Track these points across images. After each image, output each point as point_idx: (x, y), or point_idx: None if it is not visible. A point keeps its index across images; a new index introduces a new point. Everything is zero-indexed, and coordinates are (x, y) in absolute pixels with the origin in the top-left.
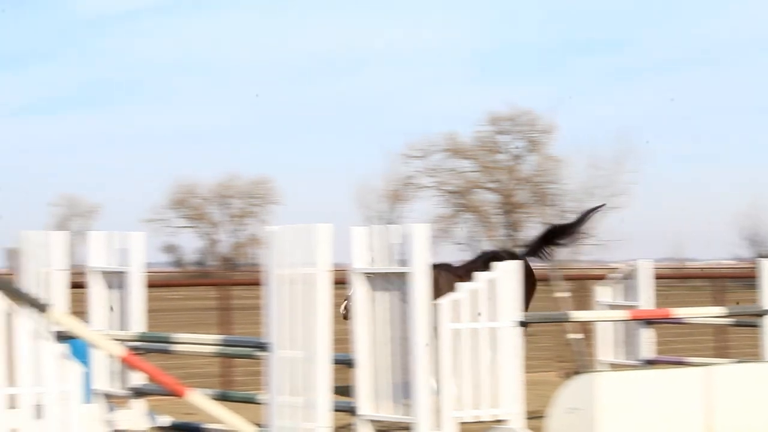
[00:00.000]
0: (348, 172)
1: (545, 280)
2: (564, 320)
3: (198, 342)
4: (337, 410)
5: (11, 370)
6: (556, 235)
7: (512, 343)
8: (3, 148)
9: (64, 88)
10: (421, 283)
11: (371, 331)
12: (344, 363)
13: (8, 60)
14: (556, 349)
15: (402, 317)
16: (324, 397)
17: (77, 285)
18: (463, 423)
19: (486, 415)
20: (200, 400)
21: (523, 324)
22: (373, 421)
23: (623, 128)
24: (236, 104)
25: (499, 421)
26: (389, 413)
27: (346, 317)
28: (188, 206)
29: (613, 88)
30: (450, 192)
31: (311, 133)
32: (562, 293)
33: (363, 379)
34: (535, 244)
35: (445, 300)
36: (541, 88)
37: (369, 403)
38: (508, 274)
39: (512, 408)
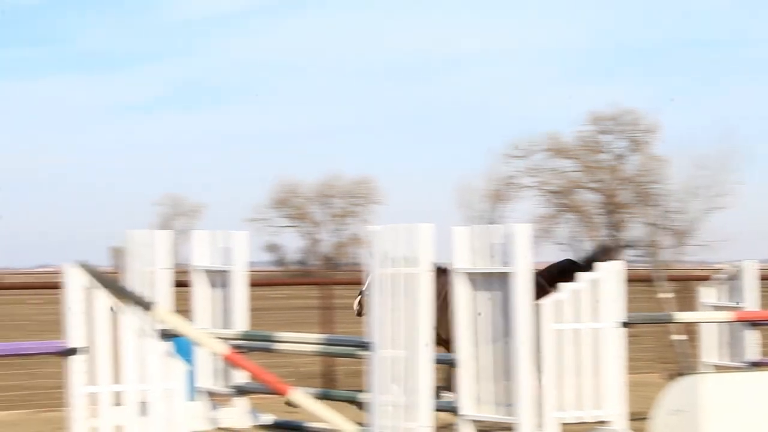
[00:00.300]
0: (449, 172)
1: (648, 280)
2: (668, 321)
3: (300, 341)
4: (438, 410)
5: (117, 367)
6: (568, 272)
7: (615, 343)
8: (108, 148)
9: (168, 88)
10: (523, 283)
11: (473, 330)
12: (446, 363)
13: (113, 61)
14: (660, 351)
15: (504, 317)
16: (426, 397)
17: (181, 284)
18: (565, 424)
19: (588, 416)
20: (302, 399)
21: (626, 325)
22: (474, 421)
23: (728, 127)
24: (338, 104)
25: (601, 423)
26: (491, 413)
27: (360, 313)
28: (290, 206)
29: (718, 86)
30: (551, 192)
31: (413, 133)
32: (666, 294)
33: (465, 379)
34: (550, 275)
35: (548, 300)
36: (645, 87)
37: (471, 403)
38: (611, 274)
39: (615, 409)
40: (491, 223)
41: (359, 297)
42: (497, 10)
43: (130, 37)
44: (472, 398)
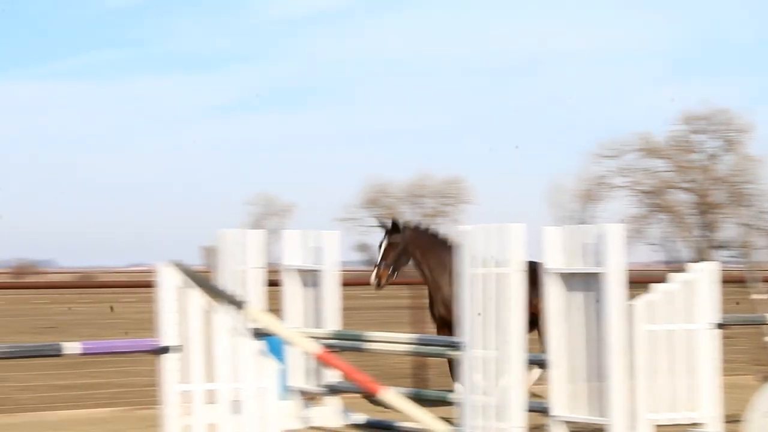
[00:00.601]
0: (540, 172)
1: (742, 281)
2: (762, 323)
3: (391, 341)
4: (530, 410)
5: (210, 366)
6: None
7: (709, 345)
8: (201, 148)
9: (260, 89)
10: (616, 283)
11: (565, 331)
12: (537, 363)
13: (206, 61)
14: (754, 352)
15: (596, 318)
16: (518, 397)
17: (272, 283)
18: (658, 426)
19: (682, 418)
20: (394, 398)
21: (721, 326)
22: (567, 422)
23: None
24: (429, 104)
25: (695, 425)
26: (583, 415)
27: (379, 285)
28: (381, 205)
29: None
30: (643, 192)
31: (504, 132)
32: (760, 295)
33: (557, 379)
34: None
35: (641, 301)
36: (738, 87)
37: (563, 404)
38: (705, 275)
39: (709, 411)
40: (582, 223)
41: (375, 269)
42: (590, 10)
43: (222, 38)
44: (564, 399)
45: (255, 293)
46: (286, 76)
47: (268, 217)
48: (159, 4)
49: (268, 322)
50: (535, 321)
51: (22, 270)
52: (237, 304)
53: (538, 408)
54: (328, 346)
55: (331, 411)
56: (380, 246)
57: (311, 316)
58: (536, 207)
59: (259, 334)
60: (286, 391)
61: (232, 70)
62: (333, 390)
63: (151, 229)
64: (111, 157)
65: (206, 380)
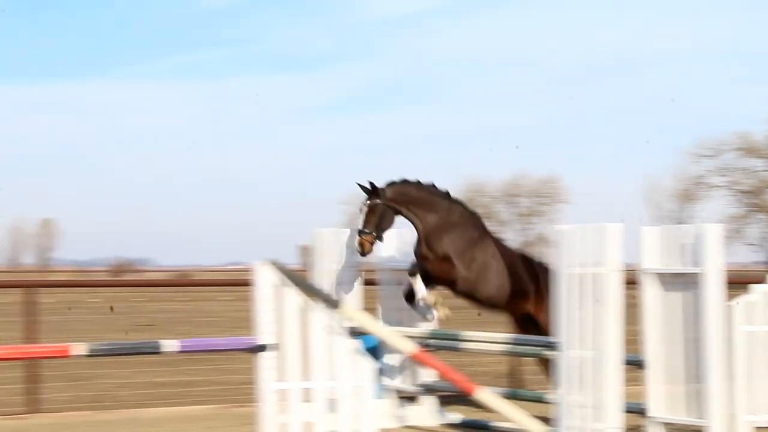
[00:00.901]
0: (637, 171)
1: None
2: None
3: (487, 340)
4: (627, 411)
5: (306, 364)
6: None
7: None
8: (298, 148)
9: (359, 89)
10: (714, 284)
11: (662, 332)
12: (634, 364)
13: (305, 61)
14: None
15: (694, 319)
16: (614, 398)
17: (368, 282)
18: (757, 428)
19: None
20: (489, 398)
21: None
22: (664, 424)
23: None
24: (526, 102)
25: None
26: (681, 416)
27: (363, 252)
28: (477, 205)
29: None
30: (742, 192)
31: (600, 131)
32: None
33: (654, 380)
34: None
35: (739, 302)
36: None
37: (660, 405)
38: None
39: None
40: (680, 223)
41: (359, 237)
42: (689, 9)
43: (322, 38)
44: (661, 400)
45: (351, 292)
46: (384, 75)
47: None
48: (259, 5)
49: (364, 321)
50: (531, 321)
51: (120, 268)
52: (333, 303)
53: (635, 409)
54: (424, 346)
55: (426, 410)
56: (360, 211)
57: (407, 316)
58: (634, 207)
59: (356, 333)
60: (382, 390)
61: (331, 70)
62: (429, 389)
63: (249, 228)
64: (210, 156)
65: (302, 378)
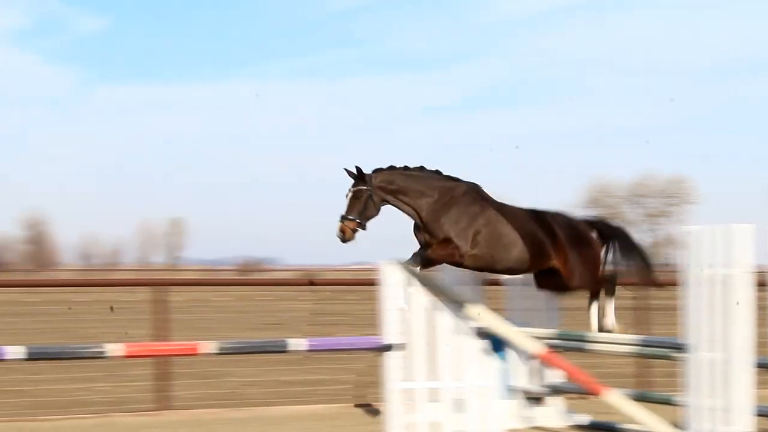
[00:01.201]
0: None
1: None
2: None
3: (615, 341)
4: (758, 414)
5: (432, 364)
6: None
7: None
8: (418, 148)
9: (481, 88)
10: None
11: None
12: (765, 367)
13: (428, 60)
14: None
15: None
16: (745, 401)
17: (492, 282)
18: None
19: None
20: (617, 400)
21: None
22: None
23: None
24: (652, 102)
25: None
26: None
27: (344, 240)
28: (603, 205)
29: None
30: None
31: (729, 131)
32: None
33: None
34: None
35: None
36: None
37: None
38: None
39: None
40: None
41: (340, 223)
42: None
43: (444, 37)
44: None
45: (477, 292)
46: (506, 75)
47: None
48: (382, 5)
49: (491, 321)
50: (557, 278)
51: (248, 267)
52: (461, 303)
53: (766, 412)
54: (551, 347)
55: (554, 411)
56: (346, 197)
57: (534, 316)
58: (765, 207)
59: (482, 333)
60: (509, 390)
61: (453, 69)
62: (556, 390)
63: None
64: (337, 156)
65: (429, 378)
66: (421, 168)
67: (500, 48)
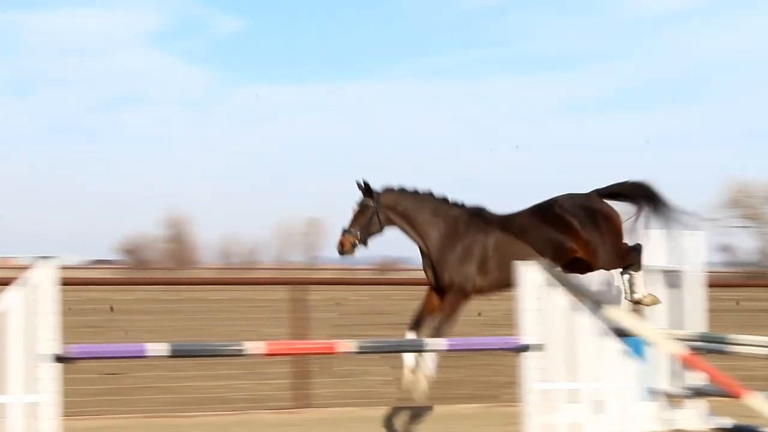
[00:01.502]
0: None
1: None
2: None
3: (758, 344)
4: None
5: (572, 365)
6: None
7: None
8: (555, 148)
9: (617, 88)
10: None
11: None
12: None
13: (564, 60)
14: None
15: None
16: None
17: None
18: None
19: None
20: (759, 403)
21: None
22: None
23: None
24: None
25: None
26: None
27: (342, 252)
28: (743, 206)
29: None
30: None
31: None
32: None
33: None
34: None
35: None
36: None
37: None
38: None
39: None
40: None
41: (341, 236)
42: None
43: (580, 37)
44: None
45: (618, 292)
46: (644, 74)
47: None
48: (519, 5)
49: (631, 322)
50: (581, 262)
51: (385, 267)
52: (600, 303)
53: None
54: (692, 348)
55: (695, 414)
56: (352, 209)
57: (675, 318)
58: None
59: (622, 334)
60: (649, 392)
61: (590, 69)
62: (698, 393)
63: None
64: (469, 156)
65: (568, 379)
66: (430, 194)
67: (639, 47)
